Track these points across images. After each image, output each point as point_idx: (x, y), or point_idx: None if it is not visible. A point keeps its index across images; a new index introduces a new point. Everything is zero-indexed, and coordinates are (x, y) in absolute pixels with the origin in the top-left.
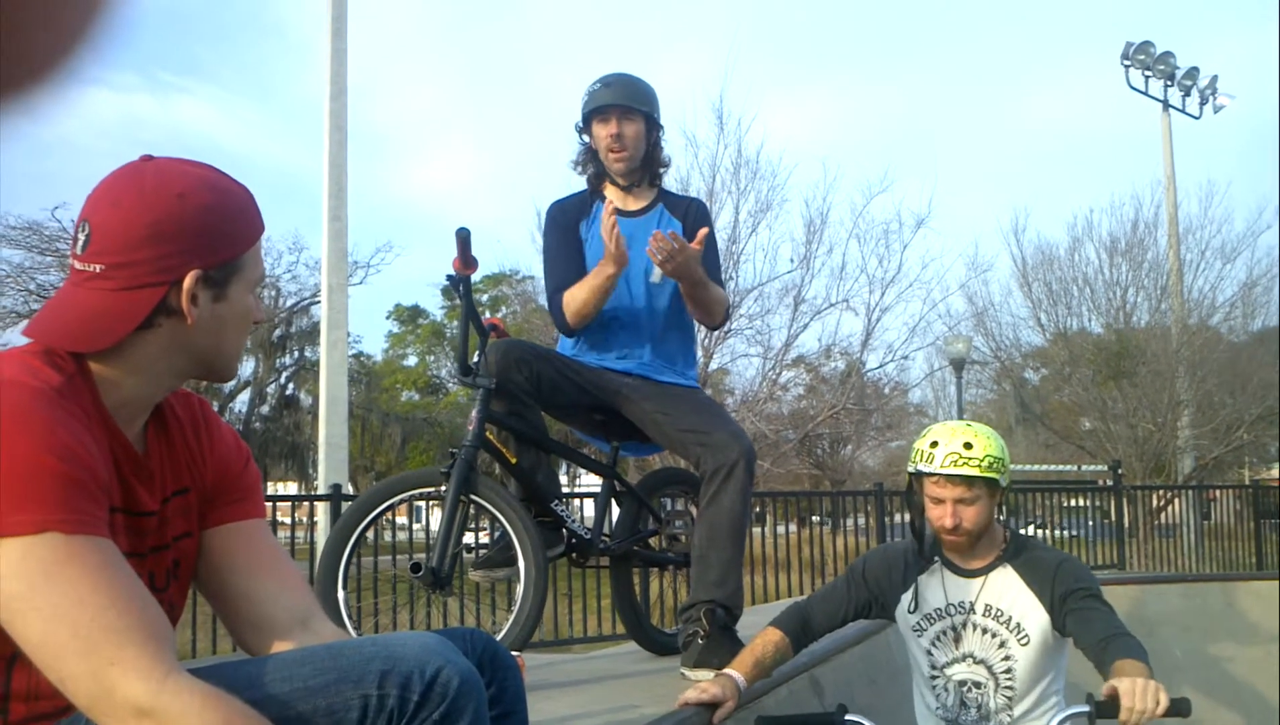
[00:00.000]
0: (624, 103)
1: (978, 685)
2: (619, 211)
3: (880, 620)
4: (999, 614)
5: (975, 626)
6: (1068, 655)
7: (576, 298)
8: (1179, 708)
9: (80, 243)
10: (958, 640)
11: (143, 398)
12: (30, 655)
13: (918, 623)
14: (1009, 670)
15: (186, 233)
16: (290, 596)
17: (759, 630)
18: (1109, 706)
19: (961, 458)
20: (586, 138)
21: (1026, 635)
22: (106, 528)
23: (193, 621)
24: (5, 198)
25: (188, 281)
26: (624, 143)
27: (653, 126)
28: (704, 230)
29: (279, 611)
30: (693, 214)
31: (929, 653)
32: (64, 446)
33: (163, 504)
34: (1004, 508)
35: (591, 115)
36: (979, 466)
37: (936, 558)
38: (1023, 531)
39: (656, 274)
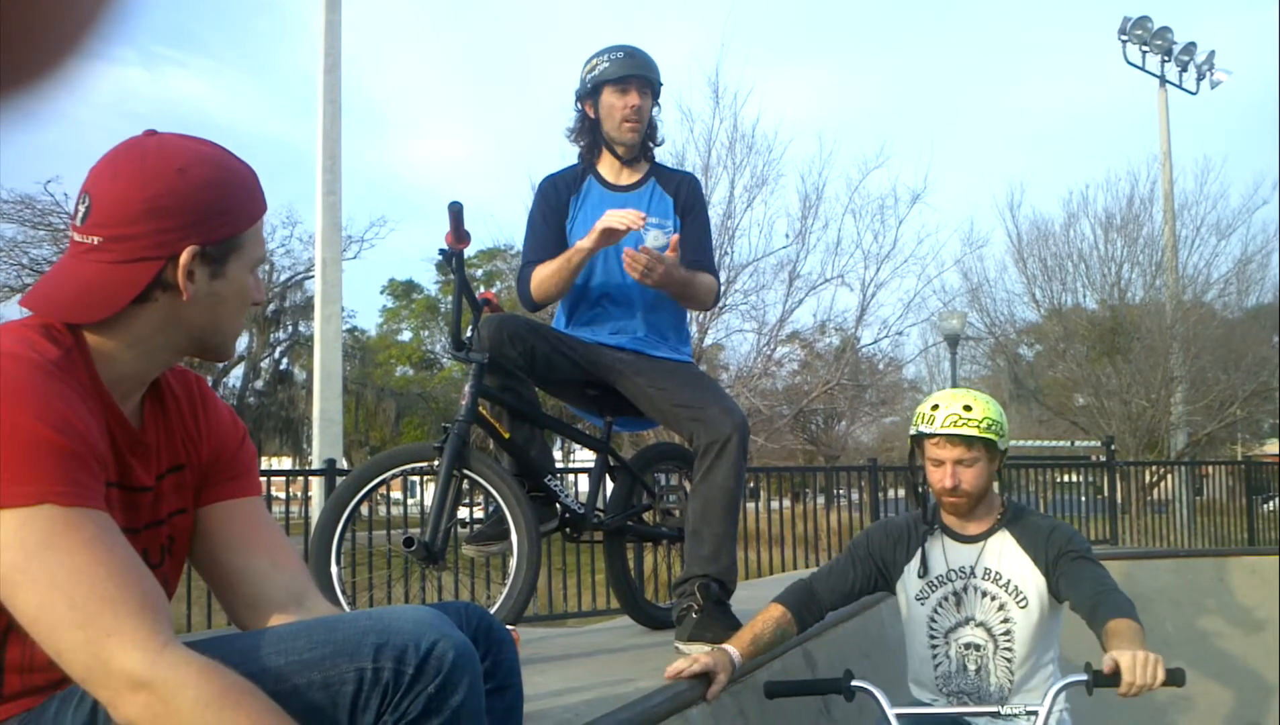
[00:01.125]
0: (644, 74)
1: (978, 648)
2: (610, 186)
3: (876, 594)
4: (998, 578)
5: (976, 590)
6: (1062, 624)
7: (544, 270)
8: (1174, 678)
9: (80, 215)
10: (960, 604)
11: (139, 373)
12: (26, 627)
13: (921, 590)
14: (1008, 633)
15: (185, 208)
16: (285, 574)
17: (753, 604)
18: (1106, 676)
19: (961, 418)
20: (584, 106)
21: (1025, 598)
22: (103, 500)
23: (187, 595)
24: None
25: (184, 257)
26: (640, 115)
27: (656, 102)
28: (675, 236)
29: (274, 589)
30: (685, 190)
31: (932, 619)
32: (61, 419)
33: (158, 480)
34: (1000, 478)
35: (605, 84)
36: (978, 427)
37: (937, 525)
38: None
39: (651, 243)
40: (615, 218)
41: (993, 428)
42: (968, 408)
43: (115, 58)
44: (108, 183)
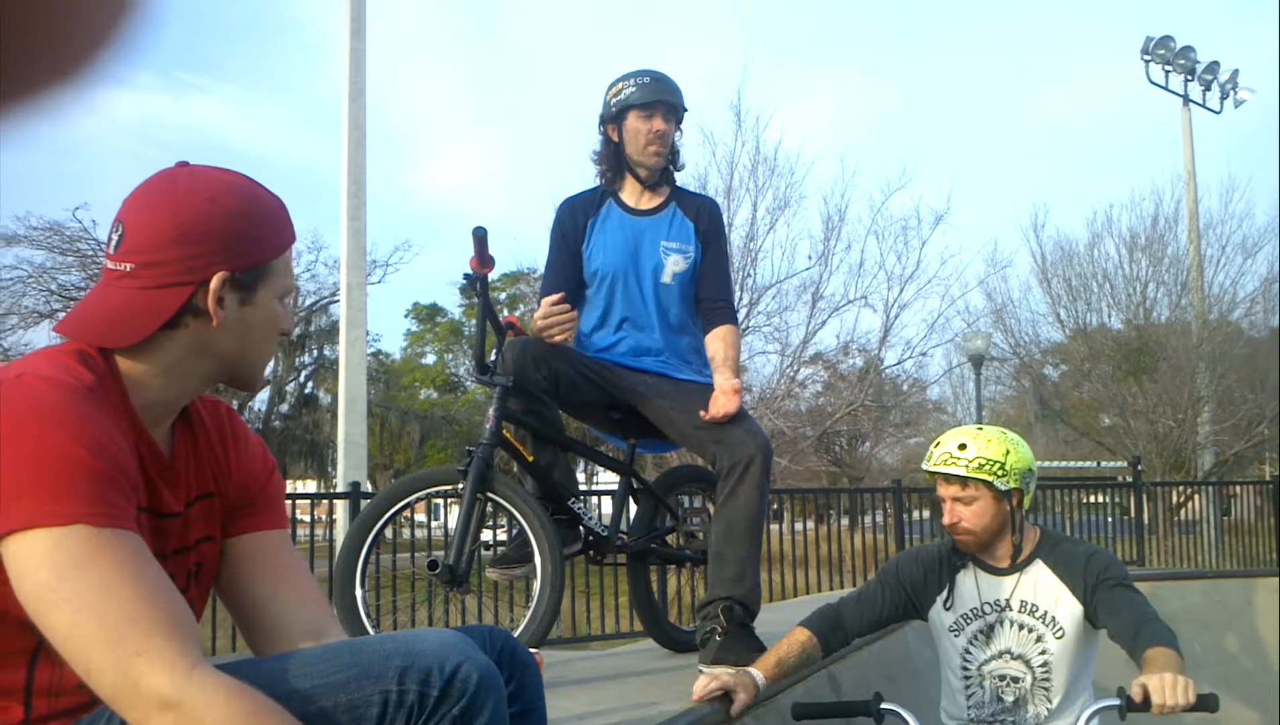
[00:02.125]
0: (669, 100)
1: (1015, 681)
2: (630, 210)
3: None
4: (1034, 609)
5: (1011, 623)
6: (1098, 649)
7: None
8: (1206, 703)
9: (114, 243)
10: (995, 637)
11: (169, 399)
12: (57, 646)
13: (954, 622)
14: (1046, 664)
15: (214, 235)
16: (306, 608)
17: (778, 627)
18: (1138, 703)
19: (952, 457)
20: (607, 129)
21: (1062, 629)
22: (134, 523)
23: (212, 619)
24: (27, 198)
25: (214, 282)
26: (664, 140)
27: (679, 127)
28: (733, 402)
29: (295, 623)
30: (705, 215)
31: (966, 651)
32: (95, 441)
33: (186, 507)
34: (1019, 507)
35: (630, 108)
36: (966, 466)
37: (969, 558)
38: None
39: (668, 274)
40: (545, 323)
41: (986, 468)
42: (962, 447)
43: (139, 84)
44: (141, 211)
